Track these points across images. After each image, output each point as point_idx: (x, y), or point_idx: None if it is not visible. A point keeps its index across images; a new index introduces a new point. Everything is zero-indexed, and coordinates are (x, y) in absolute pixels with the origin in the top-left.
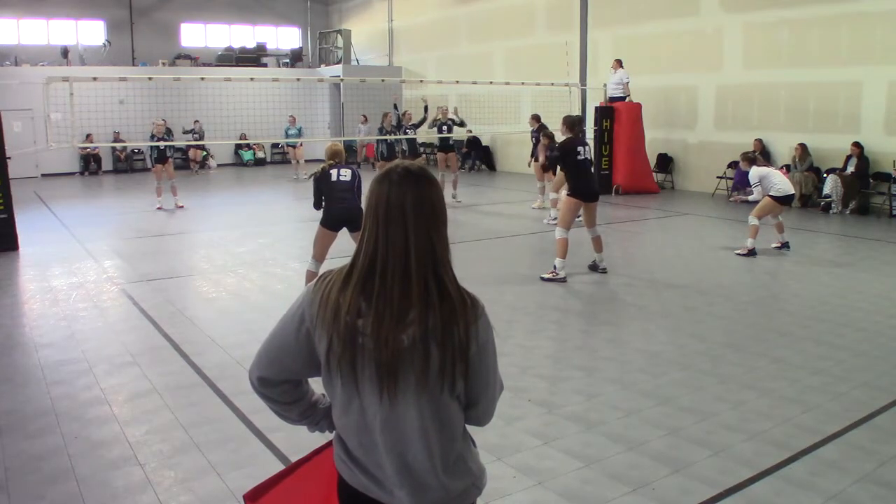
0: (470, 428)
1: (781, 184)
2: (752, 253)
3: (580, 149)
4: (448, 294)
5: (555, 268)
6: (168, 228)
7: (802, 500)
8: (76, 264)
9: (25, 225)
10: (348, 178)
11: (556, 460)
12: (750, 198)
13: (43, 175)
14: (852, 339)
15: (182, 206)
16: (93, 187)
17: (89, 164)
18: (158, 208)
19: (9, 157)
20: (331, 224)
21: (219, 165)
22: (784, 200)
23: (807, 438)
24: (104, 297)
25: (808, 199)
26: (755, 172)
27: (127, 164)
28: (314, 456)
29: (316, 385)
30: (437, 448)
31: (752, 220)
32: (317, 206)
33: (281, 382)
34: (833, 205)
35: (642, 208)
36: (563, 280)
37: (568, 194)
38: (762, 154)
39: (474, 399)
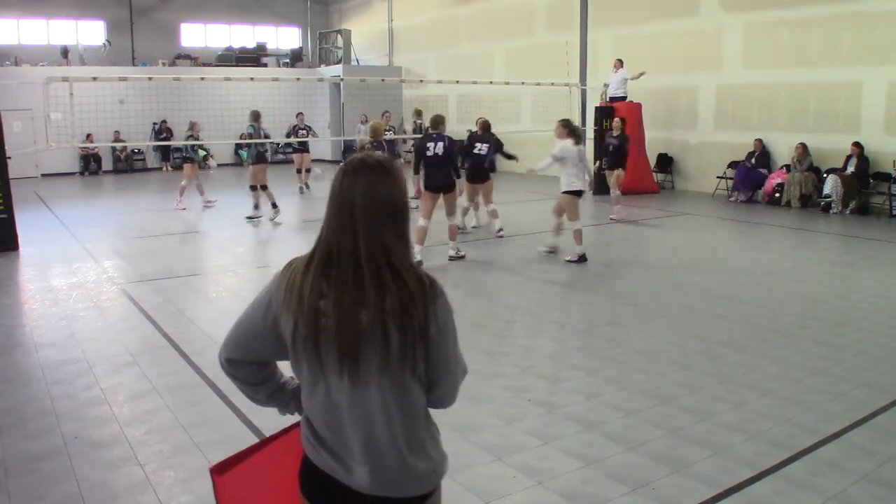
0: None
1: (576, 176)
2: (583, 259)
3: (430, 145)
4: (402, 278)
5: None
6: (168, 228)
7: (802, 500)
8: (76, 264)
9: (25, 225)
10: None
11: (556, 460)
12: (540, 164)
13: (43, 175)
14: (852, 339)
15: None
16: (93, 187)
17: (89, 164)
18: (182, 209)
19: (9, 157)
20: None
21: (219, 165)
22: (577, 195)
23: (807, 438)
24: (104, 297)
25: (808, 199)
26: (563, 146)
27: (127, 164)
28: (282, 435)
29: (286, 368)
30: (399, 429)
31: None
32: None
33: (248, 363)
34: (833, 205)
35: (642, 208)
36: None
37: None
38: (762, 154)
39: (436, 381)
